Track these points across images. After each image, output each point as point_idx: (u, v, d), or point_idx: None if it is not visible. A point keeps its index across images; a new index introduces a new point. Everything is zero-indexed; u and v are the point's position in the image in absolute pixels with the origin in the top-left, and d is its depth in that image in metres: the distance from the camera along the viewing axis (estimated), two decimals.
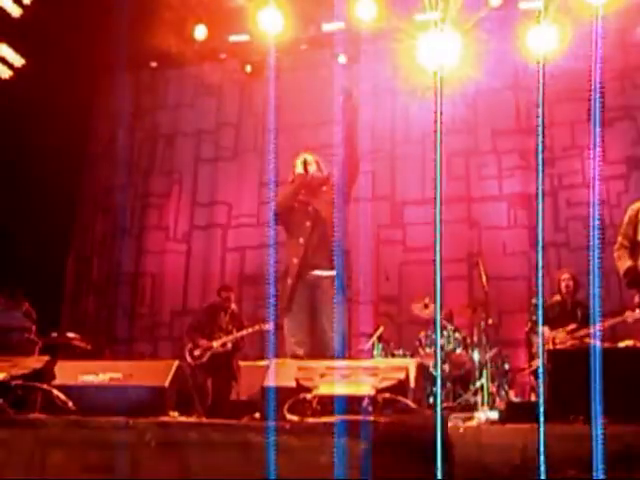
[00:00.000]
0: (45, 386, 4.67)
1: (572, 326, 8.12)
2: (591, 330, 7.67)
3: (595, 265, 3.52)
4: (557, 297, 8.55)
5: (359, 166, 6.11)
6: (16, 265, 10.18)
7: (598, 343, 3.57)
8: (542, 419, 3.00)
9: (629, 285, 6.56)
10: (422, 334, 8.83)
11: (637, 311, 7.62)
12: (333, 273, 5.84)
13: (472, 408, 7.62)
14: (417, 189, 10.59)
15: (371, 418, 3.68)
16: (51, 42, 10.15)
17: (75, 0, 9.90)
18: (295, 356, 5.67)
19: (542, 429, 2.95)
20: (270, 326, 7.46)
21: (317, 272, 5.92)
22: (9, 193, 10.56)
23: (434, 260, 3.53)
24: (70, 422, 4.13)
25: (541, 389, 3.24)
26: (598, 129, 3.66)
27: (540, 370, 3.25)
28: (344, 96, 6.01)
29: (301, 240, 5.98)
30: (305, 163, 6.19)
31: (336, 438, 3.40)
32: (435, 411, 3.74)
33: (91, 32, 10.11)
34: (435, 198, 3.63)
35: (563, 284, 8.58)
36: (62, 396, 4.60)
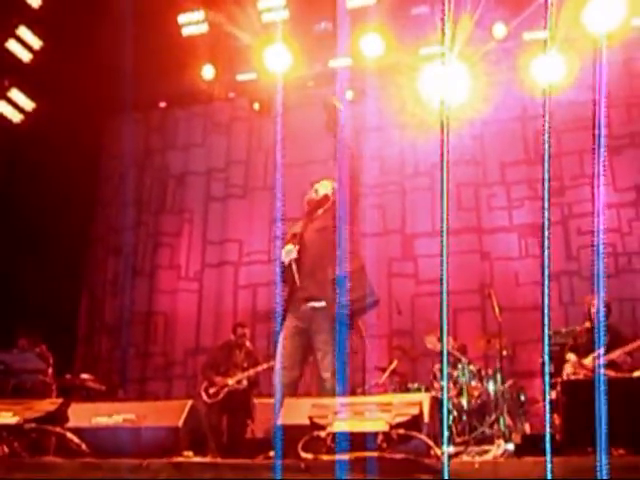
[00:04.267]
0: (58, 429, 4.66)
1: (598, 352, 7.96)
2: (612, 356, 7.60)
3: (601, 292, 3.50)
4: (587, 324, 8.27)
5: (360, 178, 5.78)
6: (29, 307, 10.21)
7: (603, 373, 3.54)
8: (549, 452, 2.97)
9: None
10: (436, 367, 8.72)
11: None
12: (324, 304, 5.43)
13: (488, 441, 7.54)
14: (427, 221, 10.57)
15: (385, 455, 3.66)
16: (60, 85, 10.27)
17: (83, 43, 10.02)
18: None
19: (549, 462, 2.92)
20: None
21: (310, 304, 5.51)
22: (21, 235, 10.63)
23: (440, 291, 3.50)
24: (84, 465, 4.12)
25: (548, 421, 3.20)
26: (603, 158, 3.65)
27: (547, 404, 3.22)
28: (330, 110, 5.61)
29: (294, 270, 5.53)
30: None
31: (350, 476, 3.38)
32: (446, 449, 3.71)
33: (99, 74, 10.22)
34: (441, 230, 3.61)
35: (593, 309, 8.00)
36: (76, 439, 4.59)
